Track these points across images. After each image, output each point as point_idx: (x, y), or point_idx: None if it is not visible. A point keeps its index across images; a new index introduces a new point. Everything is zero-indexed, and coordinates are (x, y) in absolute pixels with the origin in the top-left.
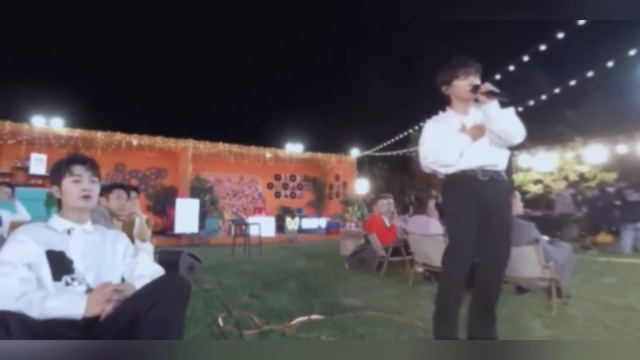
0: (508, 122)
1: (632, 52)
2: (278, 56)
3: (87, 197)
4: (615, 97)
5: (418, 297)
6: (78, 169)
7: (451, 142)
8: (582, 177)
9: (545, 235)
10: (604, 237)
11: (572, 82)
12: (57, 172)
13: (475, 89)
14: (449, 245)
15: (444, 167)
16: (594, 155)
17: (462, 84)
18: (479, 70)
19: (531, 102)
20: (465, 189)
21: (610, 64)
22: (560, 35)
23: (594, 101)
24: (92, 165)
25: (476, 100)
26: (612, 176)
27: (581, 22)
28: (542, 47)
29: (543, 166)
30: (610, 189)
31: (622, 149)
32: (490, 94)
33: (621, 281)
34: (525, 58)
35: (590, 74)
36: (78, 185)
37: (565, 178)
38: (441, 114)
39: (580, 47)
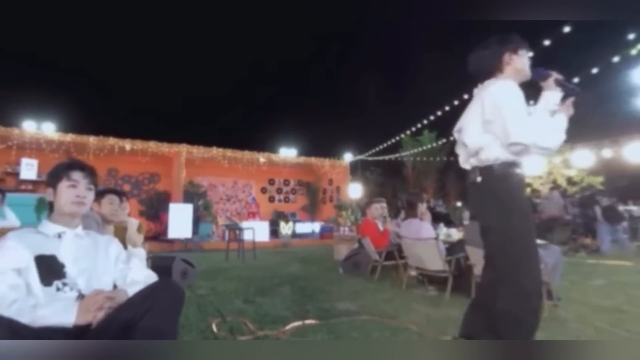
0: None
1: (616, 59)
2: (273, 63)
3: (79, 203)
4: (601, 103)
5: (411, 301)
6: (76, 175)
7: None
8: (570, 181)
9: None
10: (590, 240)
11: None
12: (54, 175)
13: (540, 72)
14: (520, 260)
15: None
16: (580, 160)
17: (527, 56)
18: None
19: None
20: (521, 187)
21: (594, 70)
22: (547, 42)
23: (580, 107)
24: (90, 173)
25: (535, 84)
26: (598, 180)
27: (566, 29)
28: (530, 54)
29: (532, 170)
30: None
31: (607, 153)
32: (559, 84)
33: (610, 283)
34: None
35: (576, 80)
36: (73, 191)
37: (554, 182)
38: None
39: (565, 54)
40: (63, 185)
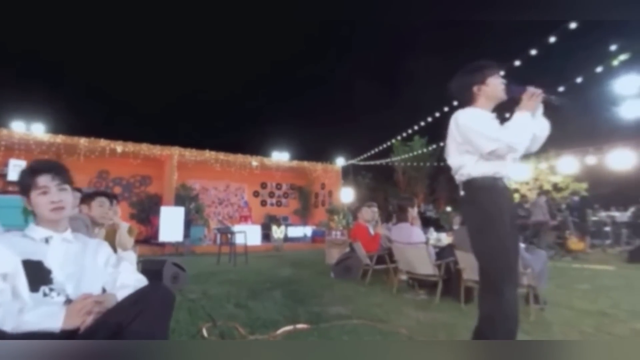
0: (548, 127)
1: (599, 69)
2: (266, 67)
3: (58, 208)
4: (585, 111)
5: (402, 305)
6: (43, 179)
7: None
8: (556, 187)
9: (522, 243)
10: (576, 245)
11: (530, 87)
12: (22, 184)
13: (509, 90)
14: (500, 268)
15: (510, 154)
16: (566, 166)
17: (498, 81)
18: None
19: (507, 115)
20: (503, 198)
21: (579, 80)
22: (533, 52)
23: (565, 115)
24: (58, 172)
25: (513, 103)
26: (583, 186)
27: (552, 39)
28: (517, 63)
29: (519, 176)
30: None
31: (591, 160)
32: (537, 97)
33: (594, 287)
34: (501, 73)
35: (561, 89)
36: (46, 197)
37: (540, 187)
38: (477, 109)
39: (551, 64)
40: (34, 195)
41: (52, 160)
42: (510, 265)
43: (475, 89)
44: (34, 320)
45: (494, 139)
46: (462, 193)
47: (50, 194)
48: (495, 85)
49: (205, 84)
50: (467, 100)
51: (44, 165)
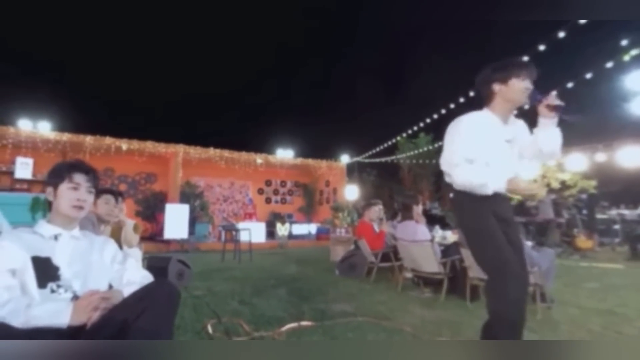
0: (559, 142)
1: (609, 65)
2: (270, 63)
3: (79, 207)
4: (595, 108)
5: (407, 303)
6: (79, 177)
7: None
8: (564, 185)
9: (529, 240)
10: (584, 243)
11: (553, 93)
12: (56, 175)
13: (533, 96)
14: (502, 275)
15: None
16: (574, 163)
17: (520, 85)
18: (534, 77)
19: (515, 112)
20: (489, 207)
21: (589, 75)
22: (542, 47)
23: (574, 111)
24: (93, 177)
25: (532, 110)
26: (592, 184)
27: (561, 34)
28: (525, 59)
29: (526, 173)
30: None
31: (601, 157)
32: (556, 109)
33: (603, 286)
34: (531, 77)
35: (570, 84)
36: (74, 193)
37: (548, 185)
38: (480, 115)
39: (560, 60)
40: (64, 187)
41: (90, 165)
42: (504, 262)
43: (495, 87)
44: (42, 316)
45: (444, 164)
46: (451, 195)
47: (80, 191)
48: (515, 89)
49: (209, 81)
50: (485, 96)
51: (83, 166)
